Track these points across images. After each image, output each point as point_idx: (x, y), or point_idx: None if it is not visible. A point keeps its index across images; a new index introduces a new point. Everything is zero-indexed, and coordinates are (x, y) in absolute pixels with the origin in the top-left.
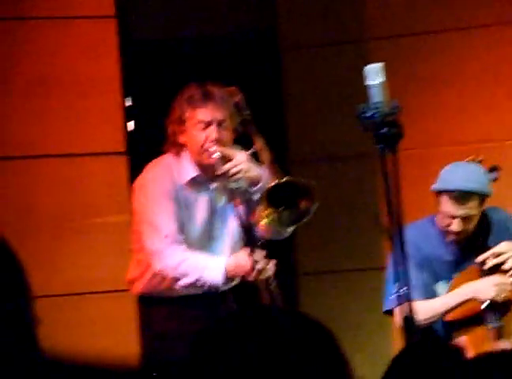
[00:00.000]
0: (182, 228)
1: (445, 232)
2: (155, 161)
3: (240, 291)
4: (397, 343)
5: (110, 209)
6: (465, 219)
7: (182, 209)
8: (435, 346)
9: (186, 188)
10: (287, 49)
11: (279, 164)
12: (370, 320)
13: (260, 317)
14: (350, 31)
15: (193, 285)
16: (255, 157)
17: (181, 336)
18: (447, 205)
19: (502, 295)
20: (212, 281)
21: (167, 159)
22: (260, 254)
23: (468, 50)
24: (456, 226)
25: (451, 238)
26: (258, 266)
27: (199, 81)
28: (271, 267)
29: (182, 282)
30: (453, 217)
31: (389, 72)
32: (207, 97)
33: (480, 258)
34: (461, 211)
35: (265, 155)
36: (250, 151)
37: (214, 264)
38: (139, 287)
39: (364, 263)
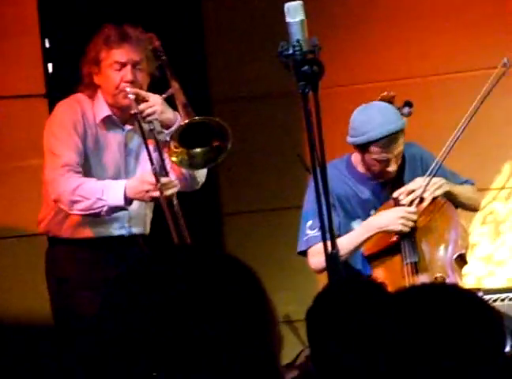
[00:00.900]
0: (90, 167)
1: (374, 175)
2: (66, 98)
3: (151, 236)
4: (322, 281)
5: (29, 153)
6: (398, 156)
7: (92, 148)
8: (357, 282)
9: (99, 127)
10: None
11: (193, 107)
12: (296, 259)
13: (177, 258)
14: None
15: (91, 210)
16: (171, 100)
17: (86, 282)
18: (380, 153)
19: (409, 225)
20: (112, 202)
21: (79, 96)
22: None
23: None
24: (394, 166)
25: (386, 177)
26: (162, 181)
27: (118, 23)
28: (174, 184)
29: (80, 205)
30: (389, 160)
31: (309, 9)
32: (123, 38)
33: (395, 194)
34: (395, 151)
35: (180, 98)
36: (165, 94)
37: (114, 184)
38: (44, 226)
39: (289, 202)
